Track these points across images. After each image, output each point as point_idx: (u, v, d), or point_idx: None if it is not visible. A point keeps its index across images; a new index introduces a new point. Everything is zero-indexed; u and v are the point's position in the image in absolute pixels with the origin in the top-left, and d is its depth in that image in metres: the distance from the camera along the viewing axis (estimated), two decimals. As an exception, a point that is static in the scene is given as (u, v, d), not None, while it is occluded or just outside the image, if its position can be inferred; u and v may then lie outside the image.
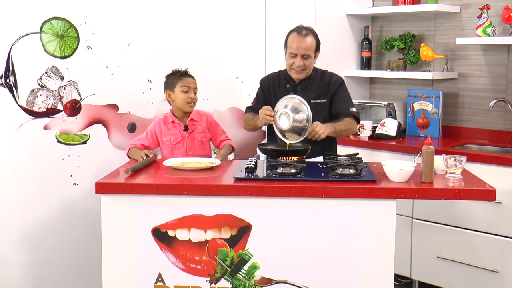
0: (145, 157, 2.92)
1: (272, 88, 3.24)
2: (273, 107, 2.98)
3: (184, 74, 3.17)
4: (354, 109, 3.19)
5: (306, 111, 2.88)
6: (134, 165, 2.76)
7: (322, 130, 2.92)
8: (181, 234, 2.54)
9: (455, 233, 3.43)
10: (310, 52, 3.08)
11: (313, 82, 3.18)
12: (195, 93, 3.16)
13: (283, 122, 2.90)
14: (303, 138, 2.90)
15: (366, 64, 4.30)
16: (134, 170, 2.69)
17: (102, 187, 2.54)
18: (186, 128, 3.15)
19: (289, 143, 2.91)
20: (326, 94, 3.17)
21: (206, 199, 2.52)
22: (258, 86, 3.34)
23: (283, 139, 2.93)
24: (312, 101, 3.10)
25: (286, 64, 3.17)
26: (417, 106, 3.99)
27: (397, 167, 2.57)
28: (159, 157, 3.12)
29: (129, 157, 3.11)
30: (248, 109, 3.32)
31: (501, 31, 3.62)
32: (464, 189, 2.47)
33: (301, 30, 3.10)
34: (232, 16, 3.94)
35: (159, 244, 2.55)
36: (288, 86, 3.19)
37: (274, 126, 2.96)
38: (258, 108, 3.11)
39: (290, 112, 2.88)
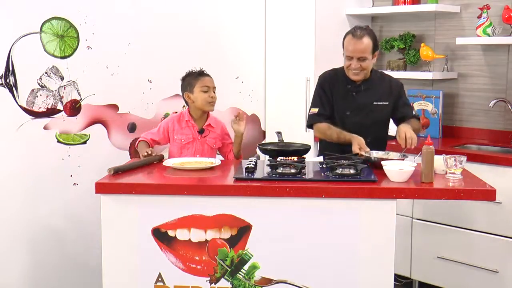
0: (146, 154, 2.90)
1: (334, 88, 3.16)
2: (334, 106, 3.03)
3: (202, 73, 3.11)
4: (414, 112, 3.26)
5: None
6: (119, 165, 2.72)
7: (413, 134, 2.91)
8: (181, 234, 2.54)
9: (455, 233, 3.43)
10: (366, 54, 3.02)
11: (374, 84, 3.15)
12: (214, 92, 3.10)
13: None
14: (404, 149, 2.90)
15: (366, 64, 4.29)
16: (117, 171, 2.67)
17: (102, 187, 2.54)
18: (201, 131, 3.11)
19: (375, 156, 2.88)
20: (388, 98, 3.14)
21: (206, 199, 2.51)
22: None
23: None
24: (374, 103, 3.11)
25: (344, 64, 3.11)
26: (417, 106, 3.99)
27: (397, 167, 2.57)
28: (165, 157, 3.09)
29: (136, 150, 3.10)
30: (315, 117, 3.17)
31: (501, 31, 3.62)
32: (464, 189, 2.47)
33: (356, 32, 3.03)
34: (232, 16, 3.94)
35: (159, 244, 2.55)
36: (349, 86, 3.13)
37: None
38: (325, 114, 3.11)
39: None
